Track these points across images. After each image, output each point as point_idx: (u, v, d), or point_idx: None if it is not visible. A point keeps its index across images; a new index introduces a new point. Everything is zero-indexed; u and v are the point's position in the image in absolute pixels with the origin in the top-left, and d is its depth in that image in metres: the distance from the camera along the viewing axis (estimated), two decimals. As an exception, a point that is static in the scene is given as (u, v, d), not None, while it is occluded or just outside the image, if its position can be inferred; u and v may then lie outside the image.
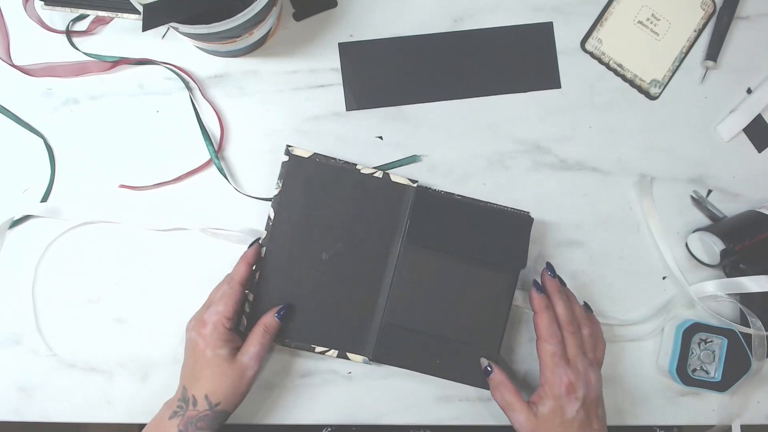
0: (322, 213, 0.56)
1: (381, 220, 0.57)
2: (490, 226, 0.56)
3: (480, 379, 0.56)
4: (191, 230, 0.60)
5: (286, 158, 0.56)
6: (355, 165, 0.57)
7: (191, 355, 0.52)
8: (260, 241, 0.56)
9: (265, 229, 0.56)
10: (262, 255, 0.56)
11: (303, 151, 0.56)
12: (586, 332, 0.53)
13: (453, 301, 0.56)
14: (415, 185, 0.57)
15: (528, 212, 0.57)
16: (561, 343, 0.52)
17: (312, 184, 0.56)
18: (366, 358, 0.56)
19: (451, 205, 0.56)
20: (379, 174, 0.56)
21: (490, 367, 0.54)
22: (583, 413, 0.50)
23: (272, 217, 0.56)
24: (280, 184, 0.56)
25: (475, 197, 0.58)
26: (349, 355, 0.56)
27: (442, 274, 0.56)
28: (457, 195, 0.57)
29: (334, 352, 0.56)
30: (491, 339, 0.57)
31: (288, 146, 0.56)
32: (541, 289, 0.55)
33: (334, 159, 0.56)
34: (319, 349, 0.56)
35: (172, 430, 0.50)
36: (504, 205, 0.57)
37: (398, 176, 0.57)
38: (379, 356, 0.56)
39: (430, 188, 0.58)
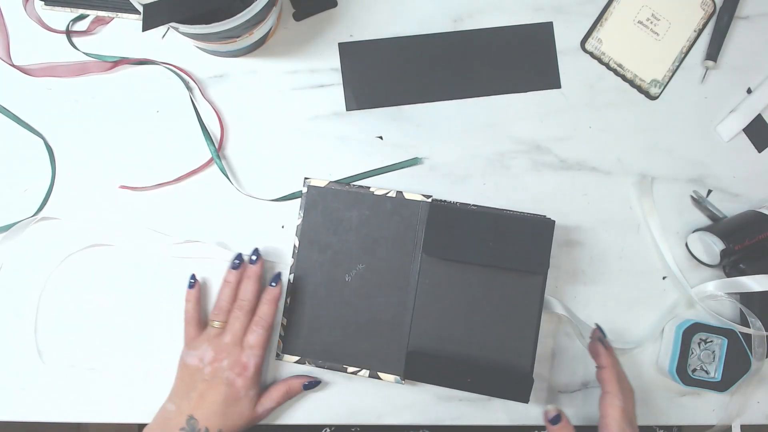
0: (342, 236, 0.57)
1: (399, 237, 0.57)
2: (508, 232, 0.56)
3: (515, 392, 0.55)
4: (200, 244, 0.60)
5: (305, 189, 0.58)
6: (369, 188, 0.58)
7: (216, 392, 0.52)
8: (281, 275, 0.58)
9: (292, 257, 0.58)
10: (291, 281, 0.57)
11: (319, 181, 0.58)
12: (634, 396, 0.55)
13: (479, 313, 0.56)
14: (429, 200, 0.57)
15: (545, 216, 0.57)
16: (627, 402, 0.52)
17: (330, 211, 0.58)
18: (398, 378, 0.57)
19: (467, 216, 0.56)
20: (392, 194, 0.57)
21: (559, 417, 0.53)
22: None
23: (297, 245, 0.58)
24: (302, 214, 0.58)
25: (491, 206, 0.57)
26: (380, 374, 0.57)
27: (465, 286, 0.56)
28: (473, 205, 0.57)
29: (365, 372, 0.57)
30: (523, 349, 0.56)
31: (306, 178, 0.58)
32: (605, 344, 0.55)
33: (348, 185, 0.58)
34: (351, 369, 0.57)
35: None
36: (522, 211, 0.57)
37: (411, 193, 0.57)
38: (409, 375, 0.56)
39: (444, 201, 0.58)
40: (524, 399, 0.55)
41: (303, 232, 0.58)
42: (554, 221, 0.56)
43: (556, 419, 0.53)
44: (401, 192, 0.57)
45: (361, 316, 0.57)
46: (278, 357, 0.58)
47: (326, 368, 0.58)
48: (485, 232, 0.56)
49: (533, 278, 0.56)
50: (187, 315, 0.57)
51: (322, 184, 0.58)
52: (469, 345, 0.56)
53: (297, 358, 0.57)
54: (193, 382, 0.53)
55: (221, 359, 0.53)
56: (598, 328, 0.57)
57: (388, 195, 0.57)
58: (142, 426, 0.77)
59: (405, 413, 0.60)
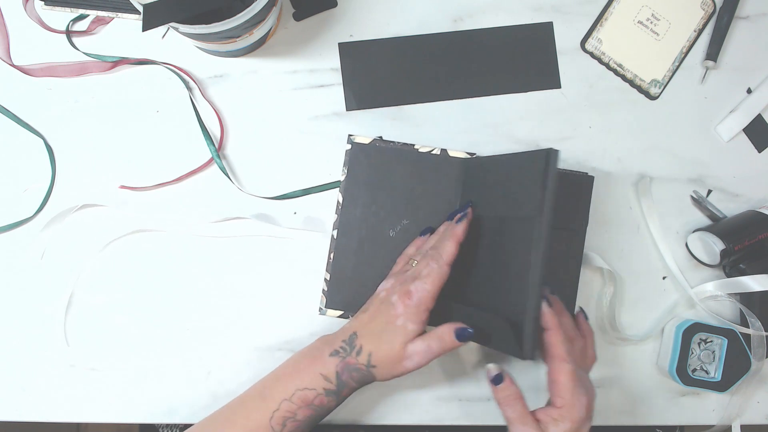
0: (386, 193, 0.58)
1: (442, 193, 0.58)
2: None
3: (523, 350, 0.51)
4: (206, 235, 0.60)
5: (349, 146, 0.59)
6: (413, 145, 0.58)
7: (381, 313, 0.51)
8: (470, 211, 0.54)
9: (335, 213, 0.58)
10: (334, 237, 0.58)
11: (363, 138, 0.59)
12: (578, 345, 0.53)
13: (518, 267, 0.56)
14: (473, 157, 0.58)
15: (587, 173, 0.58)
16: (575, 361, 0.49)
17: (374, 168, 0.58)
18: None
19: None
20: (437, 151, 0.58)
21: (501, 377, 0.49)
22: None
23: (341, 201, 0.58)
24: (346, 171, 0.59)
25: None
26: None
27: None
28: None
29: None
30: (564, 301, 0.56)
31: (350, 135, 0.59)
32: (550, 301, 0.51)
33: (393, 142, 0.59)
34: None
35: (330, 368, 0.50)
36: (563, 168, 0.58)
37: (455, 151, 0.58)
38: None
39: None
40: (531, 357, 0.54)
41: (346, 189, 0.58)
42: (593, 177, 0.58)
43: (498, 379, 0.49)
44: (445, 149, 0.58)
45: None
46: (321, 312, 0.58)
47: None
48: None
49: (573, 233, 0.58)
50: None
51: (366, 141, 0.58)
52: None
53: (340, 312, 0.58)
54: (371, 303, 0.53)
55: (396, 286, 0.52)
56: (548, 288, 0.52)
57: (432, 152, 0.58)
58: (142, 426, 0.77)
59: (405, 413, 0.60)
